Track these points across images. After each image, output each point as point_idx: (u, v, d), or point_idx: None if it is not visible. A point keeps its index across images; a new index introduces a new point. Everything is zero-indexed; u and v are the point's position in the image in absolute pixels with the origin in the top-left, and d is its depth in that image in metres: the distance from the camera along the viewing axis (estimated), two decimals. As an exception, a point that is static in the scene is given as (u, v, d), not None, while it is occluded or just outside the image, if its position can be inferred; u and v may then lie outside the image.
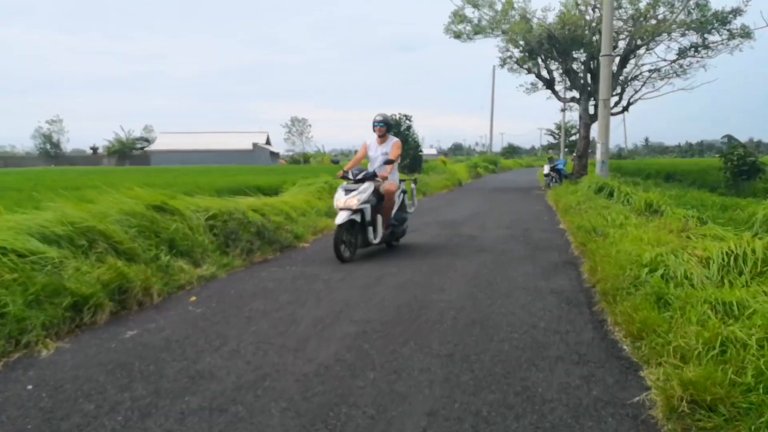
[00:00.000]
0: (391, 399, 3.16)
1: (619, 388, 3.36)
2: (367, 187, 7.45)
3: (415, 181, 9.33)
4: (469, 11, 23.16)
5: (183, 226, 6.80)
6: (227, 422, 2.86)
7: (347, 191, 7.41)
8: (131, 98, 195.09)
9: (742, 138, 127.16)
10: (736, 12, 20.99)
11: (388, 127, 8.18)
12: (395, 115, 25.53)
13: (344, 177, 7.83)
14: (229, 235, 7.30)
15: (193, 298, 5.38)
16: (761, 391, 2.83)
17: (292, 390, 3.26)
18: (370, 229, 7.56)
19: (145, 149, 75.34)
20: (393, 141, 8.11)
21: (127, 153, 74.54)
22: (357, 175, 7.61)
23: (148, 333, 4.34)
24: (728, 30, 21.23)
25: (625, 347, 4.07)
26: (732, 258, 5.10)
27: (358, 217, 7.32)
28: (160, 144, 74.18)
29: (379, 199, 7.74)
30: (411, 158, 25.91)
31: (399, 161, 8.23)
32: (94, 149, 78.41)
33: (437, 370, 3.61)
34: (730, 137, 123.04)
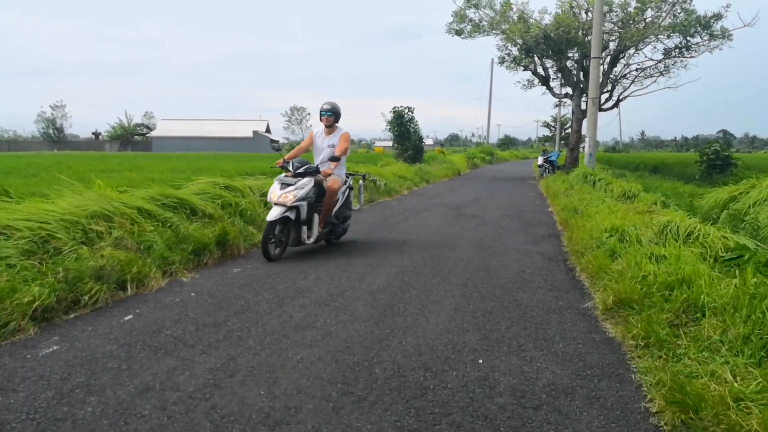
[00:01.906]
0: (429, 302, 4.96)
1: (576, 301, 5.16)
2: (306, 183, 6.81)
3: (364, 177, 8.74)
4: (471, 12, 24.79)
5: (247, 200, 8.55)
6: (332, 309, 4.66)
7: (283, 185, 6.77)
8: (129, 85, 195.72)
9: (738, 133, 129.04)
10: (717, 17, 22.75)
11: (336, 116, 7.48)
12: (399, 108, 27.06)
13: (283, 167, 7.17)
14: (359, 191, 9.01)
15: (269, 251, 7.15)
16: (658, 295, 4.61)
17: (365, 297, 5.06)
18: (305, 228, 6.92)
19: (147, 135, 76.71)
20: (341, 132, 7.50)
21: (129, 139, 75.92)
22: (298, 167, 6.97)
23: (250, 269, 6.13)
24: (709, 33, 22.97)
25: (585, 282, 5.87)
26: (669, 228, 6.90)
27: (292, 215, 6.72)
28: (161, 130, 75.52)
29: (320, 194, 7.14)
30: (413, 149, 27.54)
31: (347, 154, 7.65)
32: (96, 134, 79.68)
33: (456, 290, 5.40)
34: (725, 132, 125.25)
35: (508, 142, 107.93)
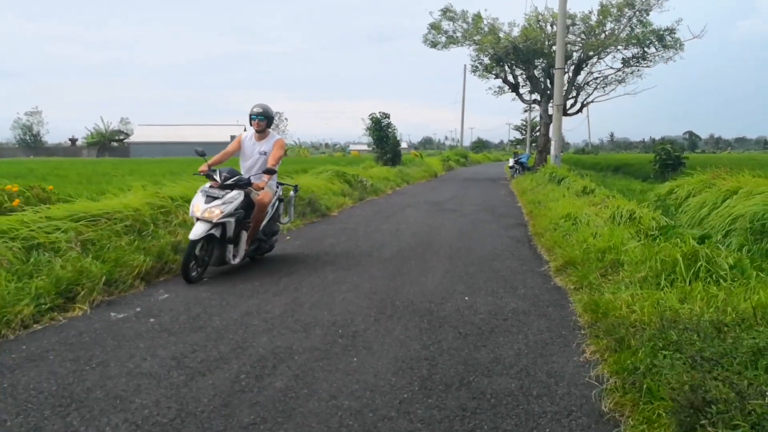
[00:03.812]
0: (425, 267, 6.59)
1: (536, 266, 6.84)
2: (235, 197, 6.05)
3: (295, 189, 7.79)
4: (446, 24, 26.61)
5: (262, 196, 10.07)
6: (355, 272, 6.26)
7: (209, 197, 5.96)
8: (103, 89, 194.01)
9: (704, 134, 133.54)
10: (671, 31, 24.93)
11: (268, 121, 6.77)
12: (376, 114, 28.55)
13: (208, 176, 6.32)
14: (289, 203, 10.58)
15: (288, 238, 8.70)
16: (593, 258, 6.29)
17: (376, 265, 6.68)
18: (230, 247, 6.19)
19: (125, 141, 77.15)
20: (274, 139, 6.78)
21: (107, 145, 76.25)
22: (227, 178, 6.15)
23: (281, 247, 7.67)
24: (663, 45, 25.13)
25: (544, 255, 7.55)
26: (617, 213, 8.62)
27: (217, 232, 5.95)
28: (139, 136, 76.16)
29: (247, 207, 6.32)
30: (392, 152, 29.14)
31: (280, 164, 6.82)
32: (73, 140, 79.73)
33: (445, 261, 7.03)
34: (691, 133, 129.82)
35: (480, 145, 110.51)
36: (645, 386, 2.86)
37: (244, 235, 6.34)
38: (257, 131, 6.76)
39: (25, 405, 3.01)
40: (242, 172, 6.71)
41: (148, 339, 4.04)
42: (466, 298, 5.29)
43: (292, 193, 7.71)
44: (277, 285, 5.67)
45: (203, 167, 6.38)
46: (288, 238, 8.72)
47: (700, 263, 5.02)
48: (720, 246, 5.73)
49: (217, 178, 6.16)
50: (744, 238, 6.97)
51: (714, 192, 10.56)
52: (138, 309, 4.80)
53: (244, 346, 3.89)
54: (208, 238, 5.89)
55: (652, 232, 7.48)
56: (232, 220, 6.01)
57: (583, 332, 4.34)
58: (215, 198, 5.94)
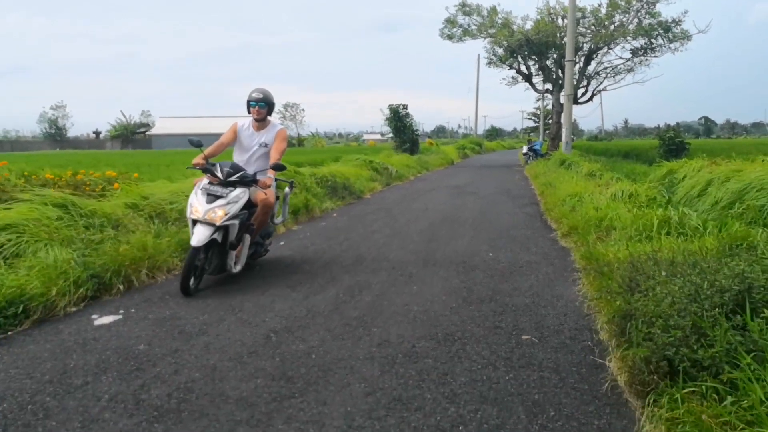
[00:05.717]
0: (455, 235, 8.10)
1: (546, 234, 8.31)
2: (241, 196, 5.34)
3: (291, 185, 6.73)
4: (461, 18, 27.93)
5: (305, 179, 11.62)
6: (399, 238, 7.78)
7: (210, 196, 5.24)
8: (114, 83, 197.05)
9: (719, 120, 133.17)
10: (677, 22, 26.05)
11: (269, 108, 6.00)
12: (394, 105, 29.90)
13: (205, 170, 5.50)
14: (331, 188, 12.14)
15: (335, 215, 10.24)
16: (592, 225, 7.74)
17: (414, 234, 8.20)
18: (233, 253, 5.46)
19: (146, 133, 79.32)
20: (276, 129, 6.08)
21: (130, 137, 78.47)
22: (230, 174, 5.39)
23: (332, 221, 9.24)
24: (669, 37, 26.26)
25: (552, 225, 9.02)
26: (619, 193, 10.05)
27: (219, 236, 5.23)
28: (160, 128, 78.17)
29: (248, 207, 5.59)
30: (410, 141, 30.57)
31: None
32: (97, 133, 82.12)
33: (470, 231, 8.53)
34: (706, 119, 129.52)
35: (494, 133, 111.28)
36: (612, 289, 4.34)
37: (248, 239, 5.65)
38: (257, 119, 5.97)
39: (203, 309, 4.58)
40: None
41: (262, 277, 5.61)
42: (490, 254, 6.80)
43: (287, 190, 6.71)
44: (341, 246, 7.22)
45: (198, 159, 5.54)
46: (335, 215, 10.28)
47: (671, 224, 6.48)
48: (691, 212, 7.17)
49: (219, 173, 5.37)
50: (720, 210, 8.46)
51: (702, 174, 11.98)
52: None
53: (335, 280, 5.45)
54: (208, 244, 5.13)
55: (642, 203, 8.94)
56: (236, 222, 5.33)
57: (579, 273, 5.83)
58: (218, 197, 5.22)
